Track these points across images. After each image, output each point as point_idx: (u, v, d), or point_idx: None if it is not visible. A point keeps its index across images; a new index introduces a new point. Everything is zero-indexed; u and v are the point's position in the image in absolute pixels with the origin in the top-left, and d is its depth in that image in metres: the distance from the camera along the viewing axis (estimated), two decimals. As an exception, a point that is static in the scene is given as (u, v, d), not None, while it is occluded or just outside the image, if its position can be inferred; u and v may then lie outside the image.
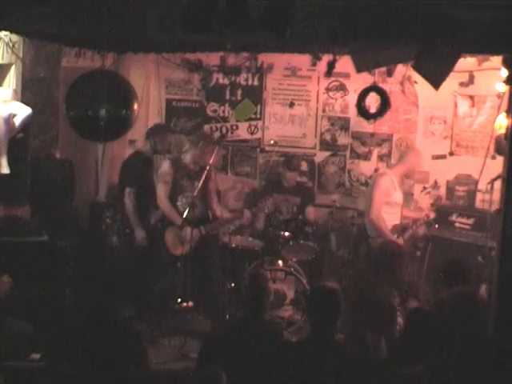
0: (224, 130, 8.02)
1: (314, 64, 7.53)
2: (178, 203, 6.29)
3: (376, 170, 7.69)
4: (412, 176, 7.12)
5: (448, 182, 7.56)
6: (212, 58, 7.79)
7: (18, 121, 5.86)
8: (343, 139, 7.86)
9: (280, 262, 6.67)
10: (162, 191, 6.29)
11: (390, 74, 7.19)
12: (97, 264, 6.38)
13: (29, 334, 4.91)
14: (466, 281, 4.79)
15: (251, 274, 4.55)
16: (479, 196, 7.23)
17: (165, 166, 6.35)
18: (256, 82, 7.95)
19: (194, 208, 6.15)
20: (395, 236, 6.56)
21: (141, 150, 6.61)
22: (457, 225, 7.07)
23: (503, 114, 5.59)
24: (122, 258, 6.51)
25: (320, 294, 4.04)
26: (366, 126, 7.52)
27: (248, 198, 7.87)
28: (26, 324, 4.94)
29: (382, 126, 7.65)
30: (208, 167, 6.24)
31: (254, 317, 4.17)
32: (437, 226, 7.16)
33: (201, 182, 6.16)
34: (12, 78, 6.23)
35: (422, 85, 6.74)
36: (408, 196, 7.66)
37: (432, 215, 7.18)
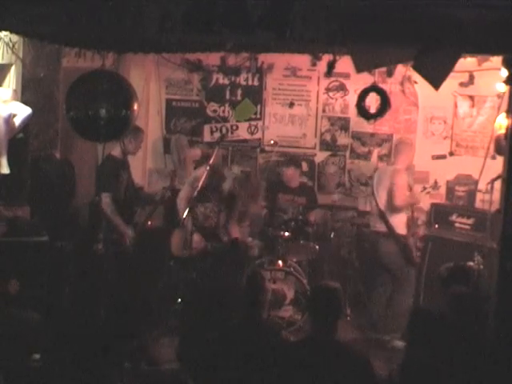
0: (224, 130, 8.02)
1: (314, 64, 7.57)
2: (197, 210, 6.35)
3: (376, 171, 7.70)
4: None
5: (448, 181, 7.56)
6: (212, 58, 7.79)
7: (18, 121, 5.86)
8: (343, 139, 7.87)
9: (280, 262, 6.67)
10: (184, 192, 6.48)
11: (389, 74, 7.22)
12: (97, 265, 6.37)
13: (35, 322, 4.91)
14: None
15: (248, 274, 4.54)
16: (479, 196, 7.23)
17: (200, 171, 6.47)
18: (256, 82, 7.96)
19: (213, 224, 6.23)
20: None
21: (112, 153, 6.51)
22: (457, 225, 7.07)
23: (503, 114, 5.59)
24: (116, 260, 6.47)
25: (321, 294, 4.04)
26: (366, 126, 7.52)
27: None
28: (34, 313, 4.94)
29: (382, 126, 7.66)
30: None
31: (252, 317, 4.17)
32: (437, 225, 7.17)
33: (200, 181, 6.17)
34: (12, 78, 6.23)
35: (421, 85, 6.74)
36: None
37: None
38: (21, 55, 6.20)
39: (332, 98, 7.84)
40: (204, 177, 6.23)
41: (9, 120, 5.74)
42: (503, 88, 5.36)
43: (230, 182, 6.77)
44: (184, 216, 6.08)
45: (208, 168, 6.29)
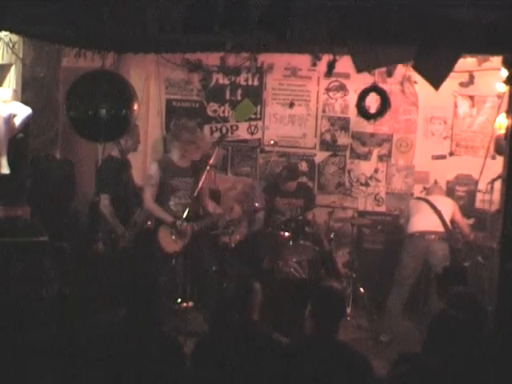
0: (224, 130, 8.03)
1: (314, 64, 7.57)
2: (171, 203, 6.27)
3: (376, 171, 7.74)
4: None
5: (448, 182, 7.56)
6: (212, 58, 7.80)
7: (18, 121, 5.86)
8: (343, 139, 7.86)
9: (280, 262, 6.66)
10: (148, 194, 6.28)
11: (389, 74, 7.22)
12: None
13: None
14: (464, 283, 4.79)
15: (239, 274, 4.49)
16: (479, 196, 7.24)
17: (151, 169, 6.36)
18: (256, 82, 7.96)
19: (193, 207, 6.17)
20: None
21: (112, 154, 6.48)
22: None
23: (503, 114, 5.60)
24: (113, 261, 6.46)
25: (325, 294, 4.04)
26: (366, 126, 7.52)
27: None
28: None
29: (382, 126, 7.65)
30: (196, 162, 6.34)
31: (241, 317, 4.14)
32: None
33: (200, 181, 6.18)
34: (12, 78, 6.23)
35: (421, 85, 6.75)
36: (408, 196, 7.66)
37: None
38: (21, 55, 6.20)
39: (332, 98, 7.84)
40: (204, 177, 6.23)
41: (9, 120, 5.74)
42: (503, 88, 5.38)
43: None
44: (184, 216, 6.08)
45: (208, 168, 6.30)
